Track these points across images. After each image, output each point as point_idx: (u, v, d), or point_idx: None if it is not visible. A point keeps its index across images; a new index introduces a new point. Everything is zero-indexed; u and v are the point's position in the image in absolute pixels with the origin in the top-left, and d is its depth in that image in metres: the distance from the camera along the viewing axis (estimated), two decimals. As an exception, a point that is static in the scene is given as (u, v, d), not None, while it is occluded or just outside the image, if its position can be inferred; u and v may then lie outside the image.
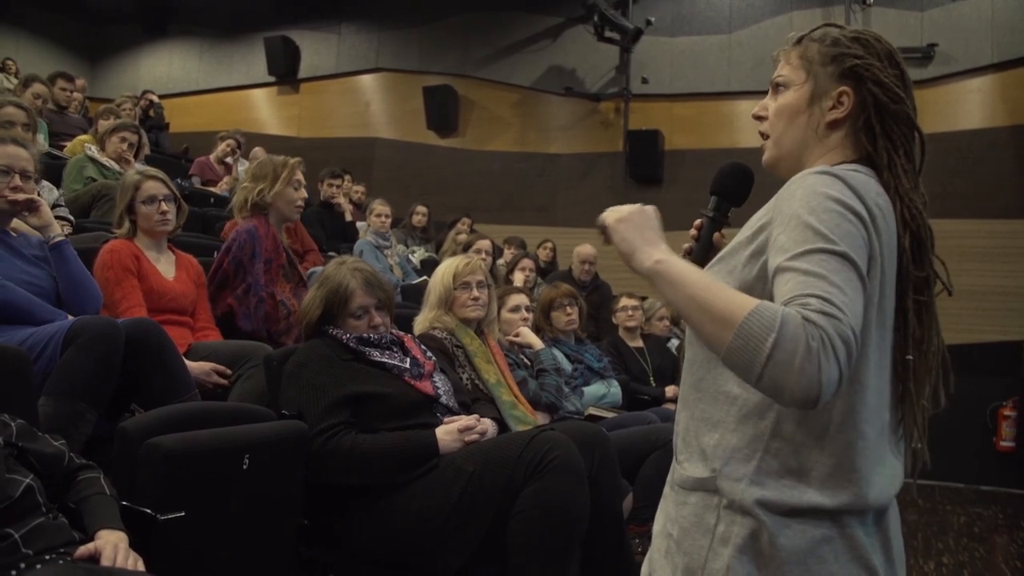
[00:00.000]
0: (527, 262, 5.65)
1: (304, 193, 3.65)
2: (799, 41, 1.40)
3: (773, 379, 1.04)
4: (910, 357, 1.25)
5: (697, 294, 1.13)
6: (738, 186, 1.48)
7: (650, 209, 1.31)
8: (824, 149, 1.35)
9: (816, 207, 1.16)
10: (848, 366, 1.05)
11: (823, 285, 1.08)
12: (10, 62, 9.41)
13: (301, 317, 2.75)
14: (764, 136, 1.43)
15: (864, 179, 1.25)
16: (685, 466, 1.33)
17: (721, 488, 1.24)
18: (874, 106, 1.32)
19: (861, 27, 1.40)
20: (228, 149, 7.62)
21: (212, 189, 6.99)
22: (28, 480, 1.71)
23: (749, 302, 1.08)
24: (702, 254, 1.44)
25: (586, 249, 6.57)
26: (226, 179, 7.39)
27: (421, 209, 7.47)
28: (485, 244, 5.07)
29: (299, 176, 3.62)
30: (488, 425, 2.63)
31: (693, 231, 1.47)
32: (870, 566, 1.21)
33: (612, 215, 1.30)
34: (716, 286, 1.14)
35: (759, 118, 1.43)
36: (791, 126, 1.38)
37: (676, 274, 1.18)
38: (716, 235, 1.47)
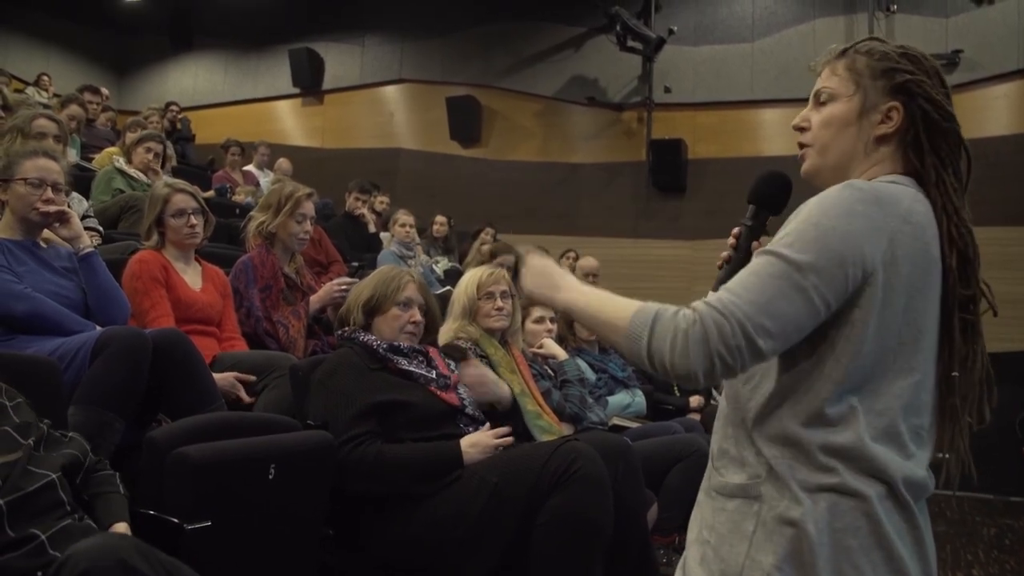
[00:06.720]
0: None
1: (309, 227, 3.59)
2: (843, 53, 1.39)
3: (655, 360, 1.19)
4: (955, 374, 1.27)
5: (595, 315, 1.30)
6: (775, 194, 1.48)
7: (538, 255, 1.45)
8: (870, 163, 1.35)
9: (817, 217, 1.20)
10: (718, 346, 1.15)
11: (741, 283, 1.19)
12: (45, 78, 9.56)
13: (352, 299, 2.78)
14: (802, 146, 1.41)
15: (898, 191, 1.26)
16: (723, 472, 1.33)
17: (763, 495, 1.24)
18: (923, 122, 1.32)
19: (884, 34, 1.41)
20: (234, 158, 7.79)
21: (236, 199, 7.06)
22: (51, 476, 1.72)
23: (630, 307, 1.24)
24: (740, 263, 1.43)
25: (589, 262, 6.54)
26: (247, 188, 7.45)
27: (440, 219, 7.45)
28: (508, 260, 5.08)
29: (305, 208, 3.56)
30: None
31: (731, 240, 1.47)
32: None
33: (526, 280, 1.43)
34: (607, 303, 1.28)
35: (800, 129, 1.42)
36: (839, 137, 1.36)
37: (578, 306, 1.33)
38: (754, 243, 1.46)
